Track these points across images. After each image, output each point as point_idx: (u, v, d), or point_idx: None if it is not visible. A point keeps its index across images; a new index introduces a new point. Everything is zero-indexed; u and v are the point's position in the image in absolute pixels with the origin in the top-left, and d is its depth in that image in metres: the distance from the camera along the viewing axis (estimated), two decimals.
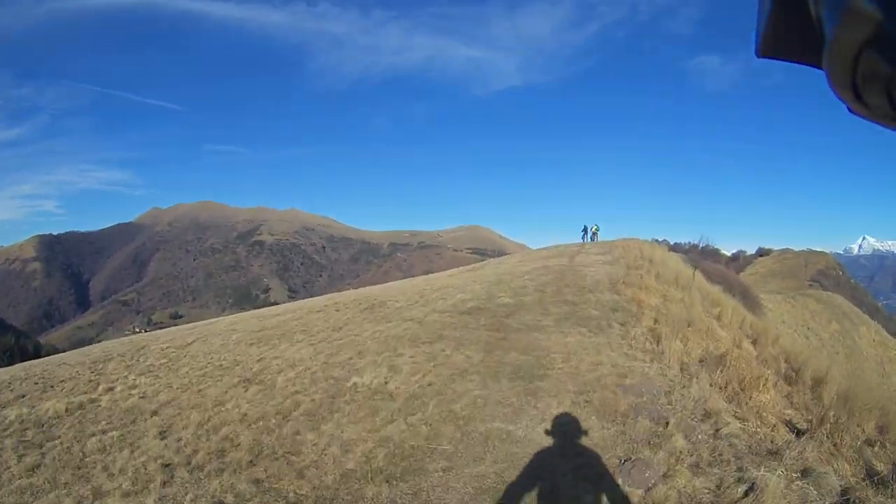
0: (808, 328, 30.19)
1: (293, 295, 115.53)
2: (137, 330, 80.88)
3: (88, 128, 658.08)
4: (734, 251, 71.80)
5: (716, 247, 59.24)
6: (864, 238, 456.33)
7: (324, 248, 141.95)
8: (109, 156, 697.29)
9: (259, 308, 30.70)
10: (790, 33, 0.46)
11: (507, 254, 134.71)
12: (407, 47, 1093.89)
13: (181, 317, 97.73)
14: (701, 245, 54.75)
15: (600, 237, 28.72)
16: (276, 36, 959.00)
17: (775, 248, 66.03)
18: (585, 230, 29.83)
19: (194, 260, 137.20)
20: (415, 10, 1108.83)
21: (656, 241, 31.69)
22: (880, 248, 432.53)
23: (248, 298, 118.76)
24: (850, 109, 0.40)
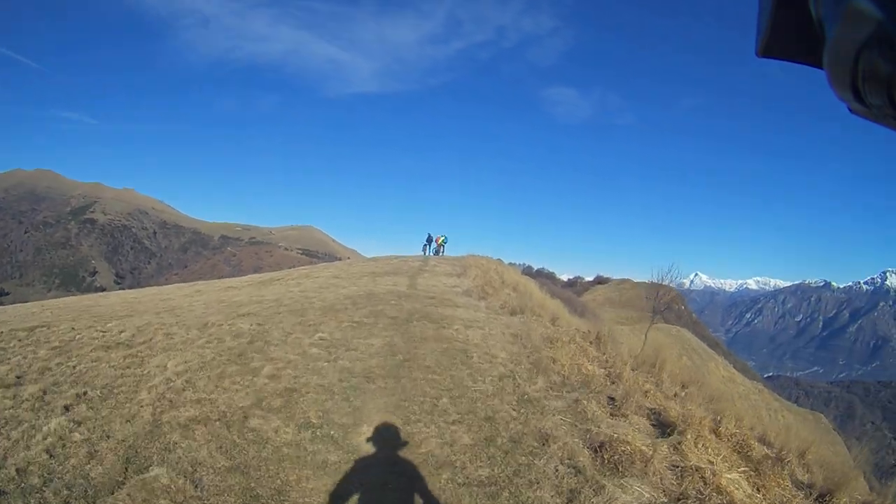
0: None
1: (119, 281, 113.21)
2: None
3: None
4: (570, 276, 69.50)
5: (551, 270, 57.32)
6: (696, 274, 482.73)
7: (155, 233, 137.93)
8: None
9: (85, 294, 29.42)
10: (790, 33, 0.47)
11: (337, 258, 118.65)
12: (270, 36, 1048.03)
13: (6, 294, 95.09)
14: (535, 268, 53.05)
15: (446, 251, 25.55)
16: (148, 4, 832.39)
17: (613, 277, 62.94)
18: (430, 240, 25.72)
19: (25, 233, 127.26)
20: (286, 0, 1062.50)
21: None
22: (711, 284, 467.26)
23: (74, 281, 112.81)
24: (850, 109, 0.40)
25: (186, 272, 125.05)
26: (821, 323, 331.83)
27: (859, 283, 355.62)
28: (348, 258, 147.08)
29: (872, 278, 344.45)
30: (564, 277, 66.82)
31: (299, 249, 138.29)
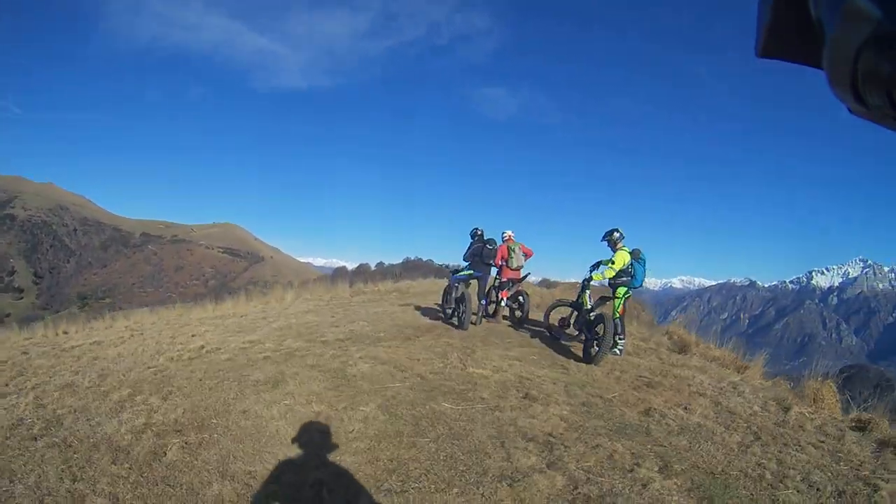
0: None
1: (38, 281, 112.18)
2: None
3: None
4: None
5: None
6: None
7: (76, 230, 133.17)
8: None
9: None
10: (790, 33, 0.47)
11: (261, 257, 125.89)
12: (201, 25, 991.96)
13: None
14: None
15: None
16: None
17: (552, 279, 58.34)
18: (482, 254, 11.08)
19: None
20: None
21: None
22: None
23: None
24: (850, 110, 0.40)
25: (106, 272, 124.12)
26: (747, 320, 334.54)
27: (785, 282, 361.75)
28: (271, 256, 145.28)
29: (798, 278, 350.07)
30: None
31: (221, 247, 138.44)
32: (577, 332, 8.21)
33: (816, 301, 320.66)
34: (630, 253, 7.85)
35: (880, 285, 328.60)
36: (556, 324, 8.71)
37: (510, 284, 9.82)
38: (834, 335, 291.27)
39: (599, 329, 7.23)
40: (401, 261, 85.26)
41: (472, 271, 9.27)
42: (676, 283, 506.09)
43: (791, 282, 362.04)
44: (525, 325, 9.75)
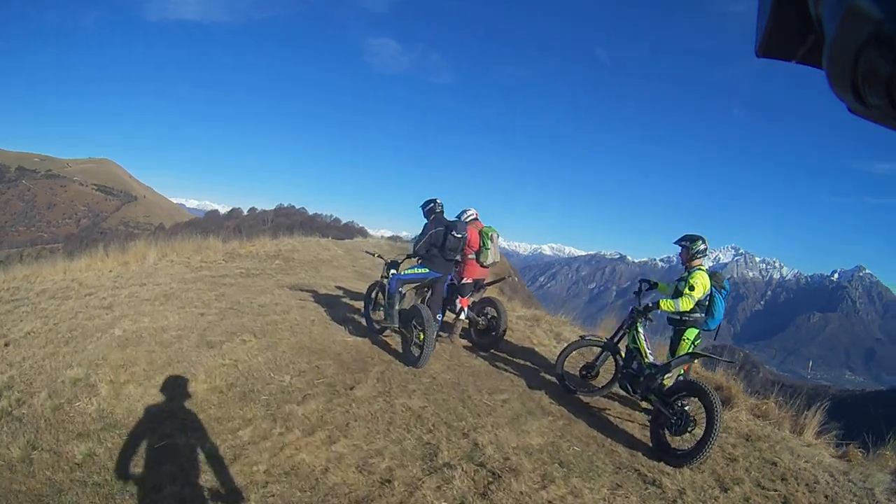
0: None
1: None
2: None
3: None
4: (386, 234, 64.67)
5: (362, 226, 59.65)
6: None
7: None
8: None
9: None
10: (790, 33, 0.46)
11: (134, 196, 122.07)
12: None
13: None
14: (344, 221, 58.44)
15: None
16: None
17: (403, 234, 59.84)
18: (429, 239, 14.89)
19: None
20: None
21: None
22: (505, 245, 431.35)
23: None
24: (850, 109, 0.40)
25: None
26: (614, 292, 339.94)
27: (654, 259, 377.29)
28: (144, 196, 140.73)
29: (669, 256, 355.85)
30: (378, 234, 63.29)
31: (95, 185, 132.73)
32: (600, 387, 5.46)
33: None
34: (711, 276, 5.06)
35: (750, 273, 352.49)
36: (579, 372, 5.60)
37: (473, 288, 6.58)
38: None
39: (687, 404, 4.40)
40: (273, 207, 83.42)
41: (426, 270, 5.87)
42: (546, 249, 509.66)
43: (661, 259, 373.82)
44: (497, 354, 6.46)
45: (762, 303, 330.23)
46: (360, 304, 7.30)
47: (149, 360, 4.95)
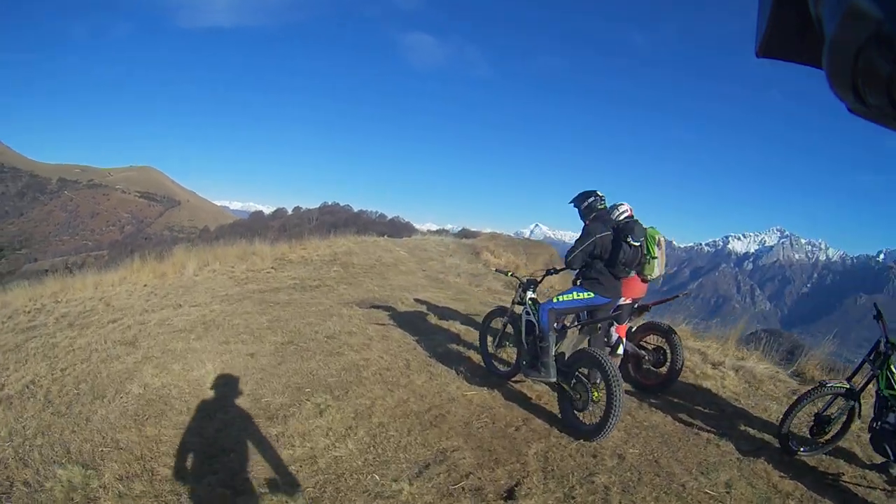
0: None
1: None
2: None
3: None
4: (431, 227, 64.93)
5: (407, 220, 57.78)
6: (536, 225, 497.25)
7: None
8: None
9: None
10: (790, 33, 0.46)
11: (177, 201, 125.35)
12: None
13: None
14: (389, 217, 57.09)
15: None
16: None
17: (472, 229, 54.39)
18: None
19: None
20: None
21: None
22: (552, 235, 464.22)
23: None
24: (850, 109, 0.39)
25: (22, 221, 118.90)
26: (662, 279, 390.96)
27: (701, 244, 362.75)
28: (188, 200, 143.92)
29: (714, 241, 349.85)
30: (424, 228, 63.39)
31: (138, 192, 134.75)
32: (823, 441, 3.84)
33: (732, 265, 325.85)
34: None
35: (796, 256, 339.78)
36: (810, 430, 3.88)
37: (632, 310, 4.65)
38: (748, 299, 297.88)
39: None
40: (318, 205, 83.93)
41: (590, 294, 4.01)
42: None
43: (707, 244, 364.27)
44: (670, 400, 4.52)
45: (808, 285, 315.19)
46: (456, 327, 5.46)
47: (175, 449, 3.17)
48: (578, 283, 4.08)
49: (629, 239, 3.93)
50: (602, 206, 4.13)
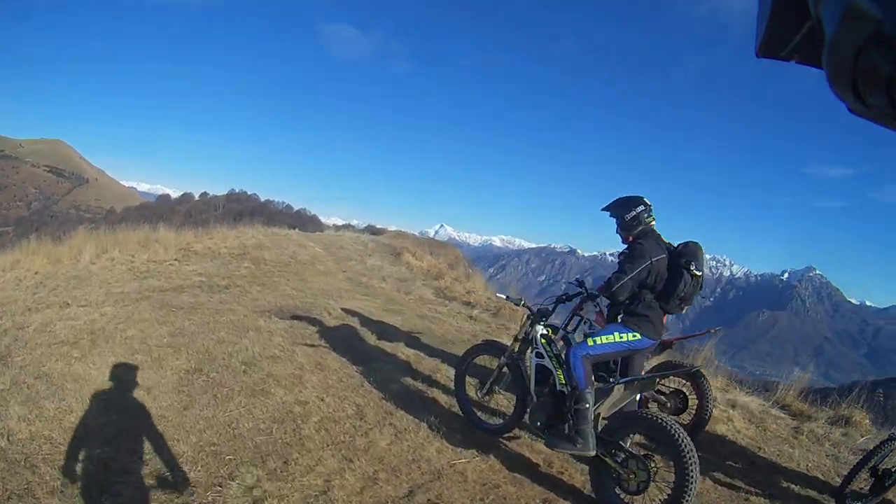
0: None
1: None
2: None
3: None
4: (337, 222, 60.17)
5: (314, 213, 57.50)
6: (441, 225, 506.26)
7: None
8: None
9: None
10: (790, 33, 0.46)
11: (85, 178, 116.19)
12: None
13: None
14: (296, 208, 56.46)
15: None
16: None
17: (378, 226, 52.13)
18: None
19: None
20: None
21: None
22: (456, 236, 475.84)
23: None
24: (850, 109, 0.39)
25: None
26: (563, 285, 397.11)
27: (604, 252, 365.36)
28: (96, 178, 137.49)
29: (621, 251, 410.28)
30: (330, 222, 61.89)
31: (46, 167, 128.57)
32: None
33: None
34: None
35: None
36: (870, 489, 3.41)
37: (656, 344, 3.46)
38: None
39: None
40: (225, 192, 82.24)
41: (636, 335, 3.04)
42: (497, 241, 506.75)
43: (611, 254, 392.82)
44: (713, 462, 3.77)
45: (711, 299, 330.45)
46: (404, 352, 4.91)
47: None
48: (620, 320, 3.14)
49: (692, 267, 3.16)
50: (650, 220, 3.24)
